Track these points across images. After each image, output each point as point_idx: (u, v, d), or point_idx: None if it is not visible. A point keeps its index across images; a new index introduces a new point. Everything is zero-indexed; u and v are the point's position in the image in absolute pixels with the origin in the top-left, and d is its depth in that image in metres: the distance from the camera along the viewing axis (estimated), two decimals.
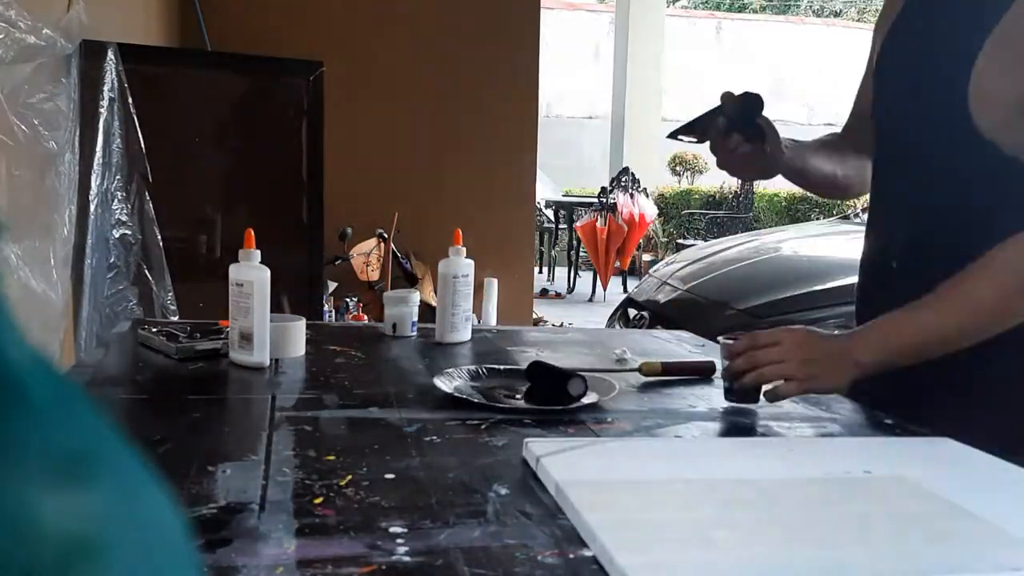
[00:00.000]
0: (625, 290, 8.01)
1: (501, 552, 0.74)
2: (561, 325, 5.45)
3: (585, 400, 1.24)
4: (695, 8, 18.94)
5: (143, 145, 2.66)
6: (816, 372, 1.18)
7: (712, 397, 1.32)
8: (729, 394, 1.25)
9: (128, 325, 1.70)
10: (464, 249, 1.63)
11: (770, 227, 9.46)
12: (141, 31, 3.49)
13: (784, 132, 1.39)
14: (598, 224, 8.33)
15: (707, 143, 1.37)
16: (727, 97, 1.33)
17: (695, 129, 1.38)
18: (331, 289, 4.07)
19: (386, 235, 4.22)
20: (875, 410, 1.26)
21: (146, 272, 2.68)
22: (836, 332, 1.29)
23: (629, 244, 8.48)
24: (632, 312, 3.46)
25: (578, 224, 8.65)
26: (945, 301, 1.16)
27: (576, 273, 9.06)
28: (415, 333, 1.68)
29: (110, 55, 2.59)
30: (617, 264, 8.45)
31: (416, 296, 1.71)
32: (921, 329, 1.17)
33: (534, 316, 5.35)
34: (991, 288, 1.14)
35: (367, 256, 4.30)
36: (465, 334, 1.65)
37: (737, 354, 1.22)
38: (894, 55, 1.35)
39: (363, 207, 4.21)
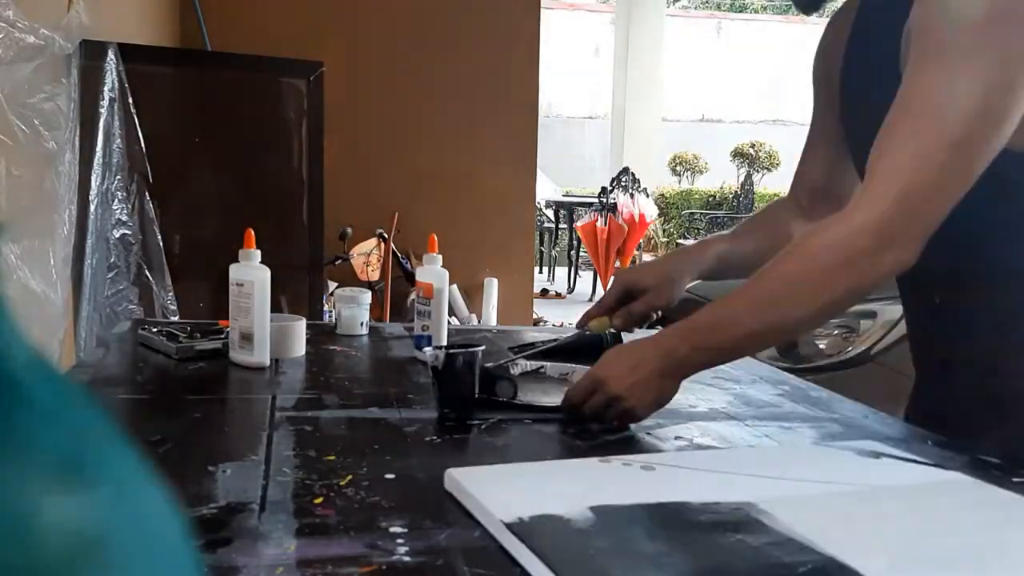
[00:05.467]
0: None
1: (501, 552, 0.74)
2: (561, 325, 5.45)
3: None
4: (695, 8, 18.94)
5: (143, 145, 2.66)
6: (656, 398, 1.10)
7: (714, 397, 1.32)
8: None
9: (128, 325, 1.70)
10: (440, 257, 1.48)
11: None
12: (141, 31, 3.49)
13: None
14: (598, 224, 8.33)
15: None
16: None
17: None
18: (331, 289, 4.07)
19: (386, 235, 4.22)
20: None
21: (146, 272, 2.68)
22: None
23: (629, 244, 8.49)
24: None
25: (578, 224, 8.65)
26: (756, 287, 1.07)
27: (576, 273, 9.07)
28: (365, 332, 1.68)
29: (110, 55, 2.59)
30: (617, 264, 8.46)
31: (367, 296, 1.70)
32: (738, 320, 1.07)
33: (534, 316, 5.34)
34: (800, 267, 1.04)
35: (367, 256, 4.30)
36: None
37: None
38: (853, 90, 1.21)
39: (363, 207, 4.21)
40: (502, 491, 0.82)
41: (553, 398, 1.27)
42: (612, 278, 1.36)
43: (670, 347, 1.09)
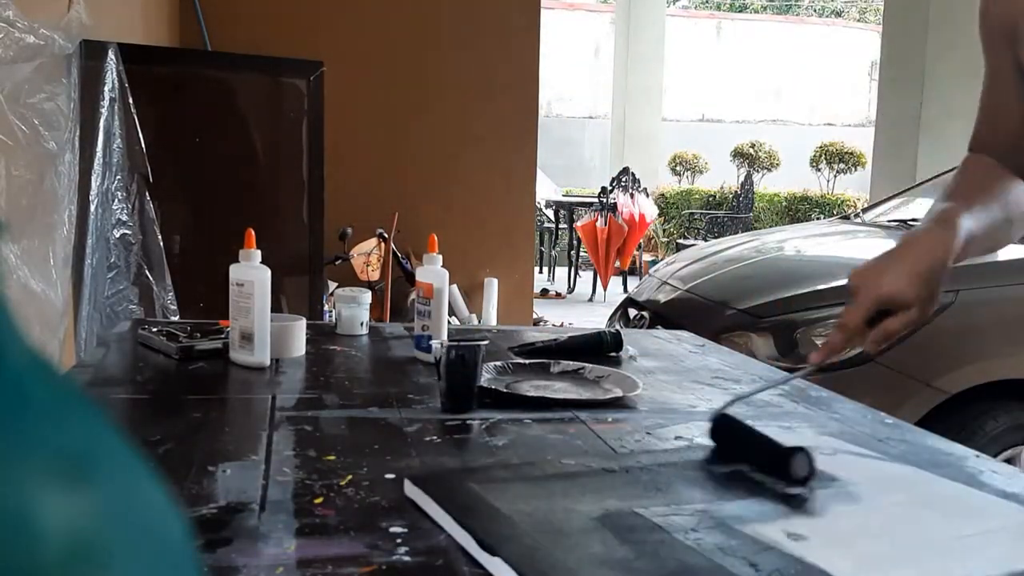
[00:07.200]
0: (625, 290, 8.01)
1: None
2: (561, 325, 5.45)
3: (608, 396, 1.26)
4: (695, 8, 18.95)
5: (143, 145, 2.66)
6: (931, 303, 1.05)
7: (714, 397, 1.32)
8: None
9: (128, 325, 1.70)
10: (440, 257, 1.48)
11: (770, 227, 9.46)
12: (141, 31, 3.49)
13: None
14: (598, 224, 8.32)
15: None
16: None
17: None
18: (331, 289, 4.06)
19: (386, 235, 4.21)
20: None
21: (146, 272, 2.68)
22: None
23: (629, 244, 8.48)
24: (632, 312, 3.46)
25: (578, 224, 8.65)
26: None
27: (576, 273, 9.06)
28: (365, 332, 1.68)
29: (110, 55, 2.59)
30: (617, 264, 8.45)
31: (367, 296, 1.70)
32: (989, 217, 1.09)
33: (534, 316, 5.34)
34: None
35: (367, 256, 4.30)
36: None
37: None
38: None
39: (363, 207, 4.20)
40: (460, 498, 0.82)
41: (571, 394, 1.27)
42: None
43: (949, 248, 1.03)
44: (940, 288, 1.05)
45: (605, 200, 8.47)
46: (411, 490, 0.85)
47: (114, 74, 2.60)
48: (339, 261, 4.15)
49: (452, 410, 1.17)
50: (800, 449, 0.91)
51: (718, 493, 0.86)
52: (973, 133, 1.24)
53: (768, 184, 11.68)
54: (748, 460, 0.96)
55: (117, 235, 2.62)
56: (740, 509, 0.82)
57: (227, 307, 1.39)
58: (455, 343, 1.18)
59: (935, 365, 2.59)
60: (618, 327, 2.77)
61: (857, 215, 4.16)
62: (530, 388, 1.30)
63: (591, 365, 1.42)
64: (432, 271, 1.47)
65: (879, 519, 0.83)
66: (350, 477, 0.91)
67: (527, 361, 1.43)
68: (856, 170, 11.22)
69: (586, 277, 9.02)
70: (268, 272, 1.38)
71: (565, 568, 0.68)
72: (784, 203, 10.98)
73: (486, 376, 1.29)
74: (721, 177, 11.44)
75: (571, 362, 1.43)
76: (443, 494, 0.82)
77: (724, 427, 1.03)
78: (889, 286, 1.03)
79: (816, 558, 0.71)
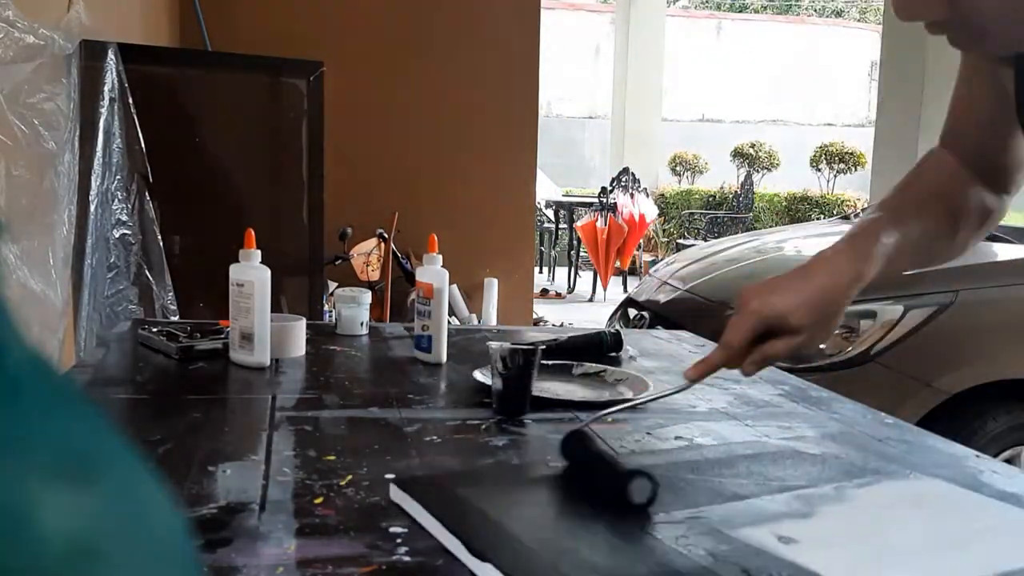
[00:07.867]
0: (625, 290, 8.01)
1: None
2: (561, 325, 5.45)
3: (609, 397, 1.26)
4: (695, 8, 18.94)
5: (143, 145, 2.66)
6: (828, 331, 0.97)
7: (714, 397, 1.32)
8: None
9: (128, 325, 1.70)
10: (440, 257, 1.47)
11: (770, 227, 9.45)
12: (141, 31, 3.49)
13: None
14: (598, 224, 8.32)
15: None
16: None
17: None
18: (331, 289, 4.06)
19: (386, 235, 4.21)
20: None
21: (146, 272, 2.68)
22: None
23: (629, 244, 8.48)
24: (632, 312, 3.46)
25: (578, 224, 8.65)
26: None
27: (576, 273, 9.06)
28: (365, 332, 1.68)
29: (110, 55, 2.59)
30: (617, 264, 8.45)
31: (367, 296, 1.70)
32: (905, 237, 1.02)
33: (534, 316, 5.34)
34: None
35: (367, 256, 4.30)
36: (437, 355, 1.47)
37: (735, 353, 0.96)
38: None
39: (363, 207, 4.20)
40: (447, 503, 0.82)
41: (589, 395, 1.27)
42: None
43: (857, 274, 0.96)
44: (837, 318, 0.97)
45: (605, 200, 8.47)
46: (397, 494, 0.84)
47: (114, 74, 2.60)
48: (339, 261, 4.15)
49: (507, 414, 1.16)
50: (640, 472, 0.83)
51: (707, 498, 0.86)
52: (944, 127, 1.19)
53: (768, 184, 11.67)
54: (591, 483, 0.88)
55: (117, 235, 2.62)
56: (729, 513, 0.81)
57: (227, 307, 1.39)
58: (518, 346, 1.17)
59: (935, 365, 2.59)
60: (618, 327, 2.77)
61: (857, 215, 4.15)
62: (535, 389, 1.29)
63: (612, 368, 1.42)
64: (432, 271, 1.47)
65: (868, 520, 0.82)
66: (350, 477, 0.91)
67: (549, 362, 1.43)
68: (856, 170, 11.22)
69: (586, 277, 9.02)
70: (268, 272, 1.38)
71: (558, 574, 0.68)
72: (784, 203, 10.97)
73: (483, 377, 1.29)
74: (721, 177, 11.43)
75: (593, 364, 1.44)
76: (431, 499, 0.81)
77: (576, 445, 0.94)
78: (779, 305, 0.94)
79: (808, 561, 0.71)
